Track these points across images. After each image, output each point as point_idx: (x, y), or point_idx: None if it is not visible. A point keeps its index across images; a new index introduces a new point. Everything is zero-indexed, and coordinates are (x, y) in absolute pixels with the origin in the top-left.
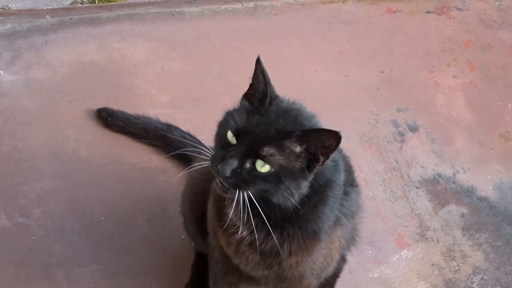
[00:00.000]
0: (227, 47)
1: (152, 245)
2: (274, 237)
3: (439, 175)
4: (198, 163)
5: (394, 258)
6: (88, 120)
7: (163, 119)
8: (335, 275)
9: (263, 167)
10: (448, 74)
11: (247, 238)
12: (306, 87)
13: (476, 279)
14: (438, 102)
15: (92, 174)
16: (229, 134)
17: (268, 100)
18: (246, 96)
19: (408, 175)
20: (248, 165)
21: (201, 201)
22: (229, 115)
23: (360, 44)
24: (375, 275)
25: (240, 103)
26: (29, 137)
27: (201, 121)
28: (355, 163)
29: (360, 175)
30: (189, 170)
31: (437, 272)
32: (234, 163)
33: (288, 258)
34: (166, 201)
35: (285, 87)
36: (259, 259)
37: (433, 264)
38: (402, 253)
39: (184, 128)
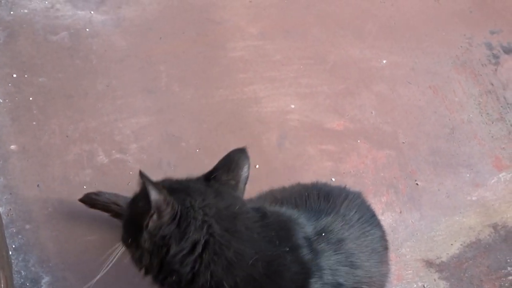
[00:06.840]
0: None
1: None
2: None
3: None
4: None
5: (493, 181)
6: (180, 55)
7: (253, 50)
8: None
9: None
10: None
11: None
12: (397, 13)
13: None
14: None
15: (185, 108)
16: None
17: None
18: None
19: (504, 97)
20: None
21: None
22: None
23: None
24: (474, 198)
25: None
26: (122, 75)
27: (291, 51)
28: (448, 87)
29: (454, 99)
30: None
31: None
32: None
33: None
34: (260, 131)
35: (375, 14)
36: None
37: None
38: (500, 175)
39: (274, 58)
